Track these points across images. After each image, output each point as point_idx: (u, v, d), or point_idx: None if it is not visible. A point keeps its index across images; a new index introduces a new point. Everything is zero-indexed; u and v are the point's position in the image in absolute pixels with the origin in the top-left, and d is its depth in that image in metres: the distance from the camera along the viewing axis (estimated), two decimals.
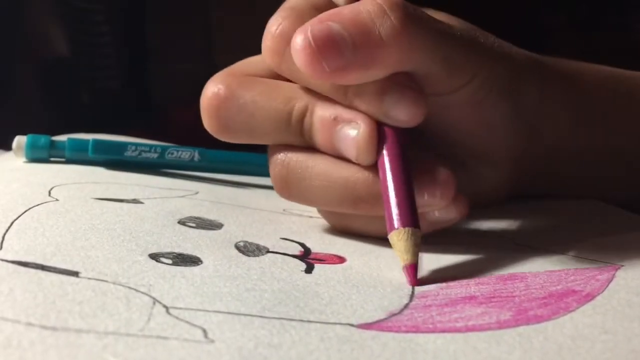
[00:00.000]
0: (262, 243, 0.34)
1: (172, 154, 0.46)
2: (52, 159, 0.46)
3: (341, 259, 0.33)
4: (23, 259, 0.28)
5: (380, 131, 0.34)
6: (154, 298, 0.26)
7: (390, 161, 0.33)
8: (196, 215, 0.37)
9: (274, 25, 0.35)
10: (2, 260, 0.28)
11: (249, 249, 0.33)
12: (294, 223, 0.39)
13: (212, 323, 0.24)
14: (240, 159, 0.48)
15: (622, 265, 0.33)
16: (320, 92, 0.35)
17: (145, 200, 0.39)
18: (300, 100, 0.35)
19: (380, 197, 0.33)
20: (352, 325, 0.26)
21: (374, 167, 0.34)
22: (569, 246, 0.36)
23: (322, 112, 0.35)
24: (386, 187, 0.33)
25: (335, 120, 0.34)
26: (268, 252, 0.33)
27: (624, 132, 0.45)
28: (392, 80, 0.33)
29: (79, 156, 0.46)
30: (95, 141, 0.46)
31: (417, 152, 0.35)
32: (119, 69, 0.98)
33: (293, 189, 0.36)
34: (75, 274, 0.27)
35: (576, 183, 0.45)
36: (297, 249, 0.34)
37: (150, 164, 0.46)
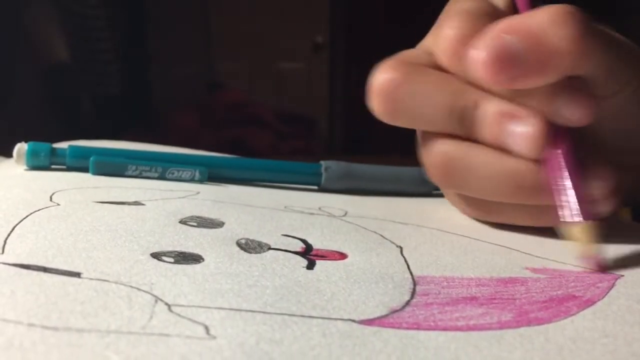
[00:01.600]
0: (263, 240, 0.34)
1: (173, 173, 0.46)
2: (53, 166, 0.46)
3: (342, 255, 0.33)
4: (25, 262, 0.28)
5: (549, 128, 0.36)
6: (155, 296, 0.26)
7: (565, 156, 0.35)
8: (197, 214, 0.37)
9: (451, 29, 0.38)
10: (4, 263, 0.28)
11: (250, 246, 0.33)
12: (296, 220, 0.39)
13: (214, 320, 0.24)
14: (242, 176, 0.48)
15: (622, 275, 0.33)
16: (492, 89, 0.37)
17: (147, 202, 0.39)
18: (471, 94, 0.37)
19: (542, 188, 0.36)
20: (353, 321, 0.26)
21: (537, 160, 0.36)
22: (569, 255, 0.36)
23: (493, 107, 0.37)
24: (561, 181, 0.35)
25: (506, 116, 0.36)
26: (269, 249, 0.33)
27: None
28: (565, 83, 0.35)
29: (80, 163, 0.46)
30: (96, 160, 0.45)
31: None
32: (119, 74, 0.99)
33: (455, 178, 0.38)
34: (77, 274, 0.27)
35: None
36: (299, 246, 0.34)
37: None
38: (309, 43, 1.07)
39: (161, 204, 0.39)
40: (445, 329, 0.26)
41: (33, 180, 0.42)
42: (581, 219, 0.34)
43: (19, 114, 0.87)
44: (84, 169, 0.45)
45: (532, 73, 0.34)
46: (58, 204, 0.37)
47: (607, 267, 0.34)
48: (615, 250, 0.38)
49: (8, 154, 0.52)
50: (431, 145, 0.39)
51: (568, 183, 0.35)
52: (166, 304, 0.25)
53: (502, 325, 0.27)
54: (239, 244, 0.33)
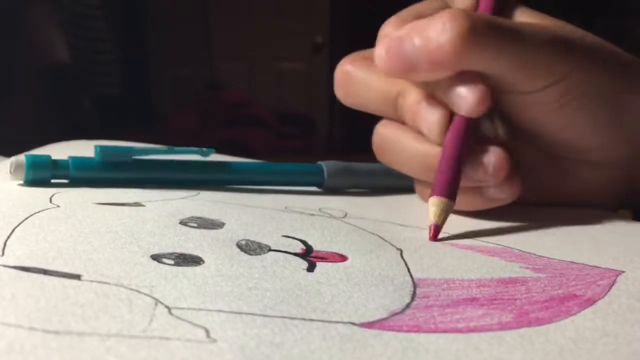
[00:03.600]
0: (263, 241, 0.34)
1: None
2: (53, 180, 0.42)
3: (343, 257, 0.33)
4: (25, 264, 0.28)
5: (452, 117, 0.41)
6: (156, 299, 0.26)
7: (448, 141, 0.40)
8: (197, 215, 0.37)
9: (389, 27, 0.44)
10: (4, 266, 0.28)
11: (250, 248, 0.33)
12: (296, 220, 0.39)
13: (215, 323, 0.24)
14: (243, 179, 0.47)
15: (623, 272, 0.33)
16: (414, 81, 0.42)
17: (147, 203, 0.39)
18: (399, 84, 0.43)
19: None
20: (354, 324, 0.26)
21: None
22: (570, 252, 0.37)
23: (412, 96, 0.42)
24: (439, 161, 0.40)
25: (420, 104, 0.42)
26: (270, 250, 0.33)
27: None
28: (459, 77, 0.40)
29: (84, 175, 0.43)
30: (102, 146, 0.43)
31: (488, 139, 0.42)
32: (119, 74, 0.99)
33: (386, 156, 0.45)
34: (77, 277, 0.27)
35: None
36: (299, 247, 0.34)
37: (160, 163, 0.45)
38: (309, 43, 1.07)
39: (161, 204, 0.39)
40: (445, 330, 0.26)
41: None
42: (438, 194, 0.39)
43: (19, 114, 0.87)
44: (88, 181, 0.43)
45: (423, 68, 0.39)
46: (58, 206, 0.37)
47: (435, 238, 0.38)
48: (616, 246, 0.38)
49: (8, 154, 0.52)
50: (376, 127, 0.45)
51: (442, 163, 0.40)
52: (166, 306, 0.25)
53: (502, 326, 0.27)
54: (239, 246, 0.33)
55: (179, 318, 0.24)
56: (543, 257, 0.36)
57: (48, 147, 0.53)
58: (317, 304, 0.27)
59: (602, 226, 0.42)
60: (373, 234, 0.38)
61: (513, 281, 0.32)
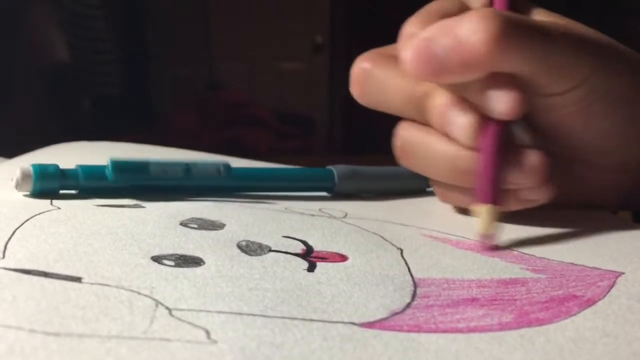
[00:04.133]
0: (264, 242, 0.34)
1: (197, 167, 0.43)
2: (62, 191, 0.40)
3: (343, 257, 0.33)
4: (26, 267, 0.28)
5: (485, 120, 0.39)
6: (156, 300, 0.26)
7: (486, 145, 0.39)
8: (198, 216, 0.37)
9: (411, 27, 0.42)
10: (5, 268, 0.28)
11: (251, 248, 0.33)
12: (296, 221, 0.39)
13: (215, 324, 0.24)
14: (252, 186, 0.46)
15: (623, 273, 0.34)
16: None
17: (147, 204, 0.39)
18: (425, 85, 0.41)
19: (473, 173, 0.40)
20: (354, 324, 0.26)
21: (475, 147, 0.40)
22: (570, 253, 0.37)
23: (440, 99, 0.41)
24: (479, 167, 0.39)
25: (449, 107, 0.40)
26: (270, 250, 0.33)
27: None
28: (492, 79, 0.38)
29: (94, 184, 0.41)
30: (116, 161, 0.41)
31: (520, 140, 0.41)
32: (119, 75, 0.99)
33: (410, 159, 0.43)
34: (78, 279, 0.27)
35: None
36: (300, 247, 0.34)
37: (176, 184, 0.43)
38: (309, 43, 1.07)
39: (162, 205, 0.39)
40: (445, 330, 0.26)
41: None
42: (485, 201, 0.38)
43: (19, 114, 0.87)
44: (98, 191, 0.41)
45: (454, 70, 0.38)
46: (59, 208, 0.37)
47: (494, 248, 0.37)
48: (616, 248, 0.38)
49: (8, 154, 0.52)
50: (397, 128, 0.43)
51: (484, 168, 0.39)
52: (167, 308, 0.25)
53: (502, 327, 0.27)
54: (239, 246, 0.33)
55: (179, 319, 0.24)
56: (543, 258, 0.36)
57: (48, 148, 0.53)
58: (317, 304, 0.27)
59: (602, 228, 0.42)
60: (373, 233, 0.38)
61: (513, 282, 0.32)
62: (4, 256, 0.29)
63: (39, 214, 0.35)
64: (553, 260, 0.35)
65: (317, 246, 0.35)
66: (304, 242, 0.35)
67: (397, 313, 0.27)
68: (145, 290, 0.27)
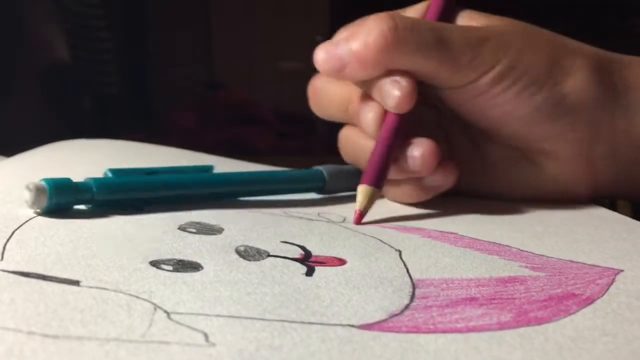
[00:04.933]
0: (262, 247, 0.34)
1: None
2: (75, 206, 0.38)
3: (341, 261, 0.33)
4: (24, 270, 0.28)
5: (384, 114, 0.44)
6: (155, 304, 0.26)
7: (379, 136, 0.44)
8: (196, 220, 0.37)
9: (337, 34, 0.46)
10: (4, 271, 0.28)
11: (249, 254, 0.33)
12: (294, 226, 0.39)
13: (213, 327, 0.24)
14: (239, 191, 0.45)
15: (622, 270, 0.34)
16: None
17: (146, 207, 0.39)
18: (350, 92, 0.47)
19: None
20: (353, 326, 0.26)
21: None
22: (569, 250, 0.37)
23: (356, 99, 0.46)
24: (371, 154, 0.44)
25: (359, 105, 0.45)
26: (269, 256, 0.33)
27: None
28: (388, 76, 0.43)
29: (109, 196, 0.39)
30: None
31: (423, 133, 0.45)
32: (119, 75, 0.98)
33: (347, 155, 0.49)
34: (76, 282, 0.27)
35: None
36: (298, 252, 0.34)
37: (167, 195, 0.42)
38: (309, 43, 1.06)
39: (160, 209, 0.39)
40: (444, 331, 0.26)
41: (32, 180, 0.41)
42: (366, 182, 0.42)
43: (19, 114, 0.87)
44: (113, 203, 0.39)
45: (354, 68, 0.43)
46: None
47: (359, 222, 0.41)
48: (615, 245, 0.38)
49: (7, 153, 0.52)
50: (341, 132, 0.49)
51: (373, 154, 0.43)
52: (165, 311, 0.25)
53: (501, 326, 0.27)
54: (238, 252, 0.33)
55: (177, 323, 0.24)
56: (542, 255, 0.36)
57: (48, 146, 0.53)
58: (316, 307, 0.27)
59: (601, 225, 0.42)
60: (372, 237, 0.38)
61: (512, 280, 0.32)
62: (2, 258, 0.29)
63: (38, 215, 0.35)
64: (552, 257, 0.35)
65: (316, 251, 0.35)
66: (303, 247, 0.35)
67: (395, 314, 0.27)
68: (144, 294, 0.27)
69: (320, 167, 0.48)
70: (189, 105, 1.00)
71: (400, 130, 0.44)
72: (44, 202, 0.36)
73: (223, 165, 0.54)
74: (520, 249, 0.37)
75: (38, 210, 0.36)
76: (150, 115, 0.99)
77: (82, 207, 0.38)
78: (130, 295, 0.26)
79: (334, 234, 0.38)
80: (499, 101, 0.44)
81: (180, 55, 1.00)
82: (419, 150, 0.43)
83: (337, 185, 0.48)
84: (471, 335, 0.26)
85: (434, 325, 0.26)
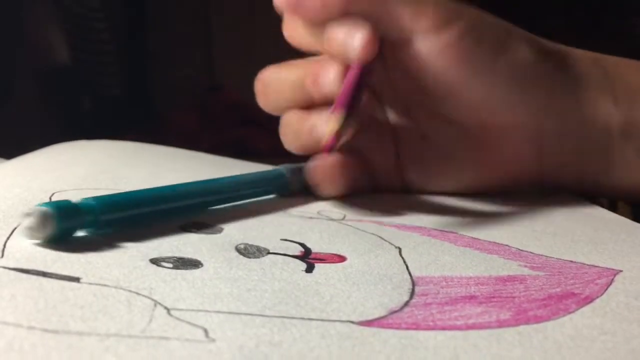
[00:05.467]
0: (262, 245, 0.34)
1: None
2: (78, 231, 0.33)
3: (341, 258, 0.33)
4: (25, 266, 0.28)
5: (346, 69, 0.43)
6: (155, 300, 0.26)
7: (346, 82, 0.42)
8: (196, 219, 0.37)
9: None
10: (4, 267, 0.28)
11: (249, 251, 0.33)
12: (294, 224, 0.39)
13: (213, 323, 0.24)
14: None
15: (621, 271, 0.34)
16: (314, 51, 0.46)
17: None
18: (304, 71, 0.45)
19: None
20: (352, 322, 0.26)
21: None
22: (568, 250, 0.37)
23: (311, 70, 0.45)
24: (340, 92, 0.42)
25: (319, 68, 0.44)
26: (269, 253, 0.33)
27: None
28: (347, 26, 0.42)
29: (113, 215, 0.35)
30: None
31: None
32: (119, 76, 0.99)
33: (287, 138, 0.48)
34: (76, 279, 0.27)
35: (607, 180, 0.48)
36: (298, 250, 0.34)
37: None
38: None
39: None
40: (444, 328, 0.26)
41: (33, 179, 0.41)
42: (336, 110, 0.41)
43: (19, 114, 0.87)
44: (118, 221, 0.35)
45: (314, 8, 0.43)
46: None
47: (332, 149, 0.42)
48: (614, 246, 0.38)
49: (8, 155, 0.52)
50: (282, 119, 0.48)
51: (342, 90, 0.42)
52: (165, 307, 0.25)
53: (501, 324, 0.27)
54: (237, 249, 0.33)
55: (177, 319, 0.24)
56: (541, 255, 0.36)
57: (48, 148, 0.53)
58: (315, 303, 0.27)
59: (600, 225, 0.42)
60: (372, 234, 0.38)
61: (511, 279, 0.32)
62: (2, 255, 0.29)
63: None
64: (551, 257, 0.36)
65: (316, 248, 0.35)
66: (302, 245, 0.35)
67: (395, 311, 0.27)
68: (144, 290, 0.27)
69: (279, 168, 0.46)
70: (189, 106, 1.00)
71: (362, 85, 0.43)
72: (50, 229, 0.31)
73: (222, 166, 0.54)
74: (520, 248, 0.37)
75: (39, 241, 0.31)
76: (150, 116, 1.00)
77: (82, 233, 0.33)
78: (131, 291, 0.26)
79: (334, 231, 0.38)
80: (462, 59, 0.44)
81: (180, 56, 1.00)
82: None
83: (299, 185, 0.46)
84: (470, 332, 0.26)
85: (433, 322, 0.27)
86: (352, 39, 0.42)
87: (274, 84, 0.48)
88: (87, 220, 0.33)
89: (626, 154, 0.47)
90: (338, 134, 0.41)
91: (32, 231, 0.30)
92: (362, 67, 0.42)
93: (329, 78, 0.44)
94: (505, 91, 0.45)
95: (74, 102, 0.97)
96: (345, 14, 0.43)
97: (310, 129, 0.45)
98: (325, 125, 0.43)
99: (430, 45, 0.43)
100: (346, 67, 0.43)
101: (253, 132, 0.94)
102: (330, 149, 0.42)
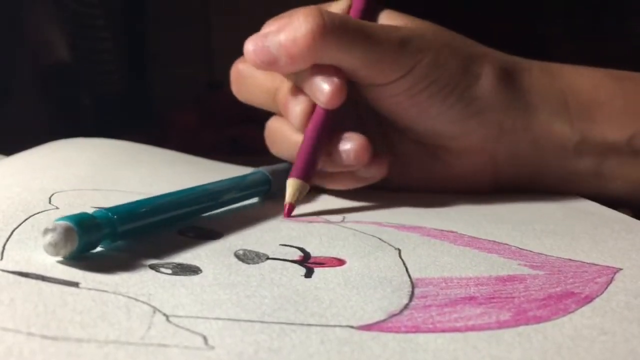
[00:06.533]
0: (261, 250, 0.34)
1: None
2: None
3: (341, 262, 0.33)
4: (24, 270, 0.28)
5: (313, 108, 0.45)
6: (154, 307, 0.26)
7: (307, 130, 0.44)
8: (196, 224, 0.37)
9: (265, 25, 0.46)
10: (3, 270, 0.28)
11: (248, 257, 0.33)
12: (293, 229, 0.39)
13: (212, 330, 0.24)
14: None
15: (621, 269, 0.34)
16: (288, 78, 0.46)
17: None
18: (277, 81, 0.47)
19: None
20: (352, 327, 0.26)
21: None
22: (568, 249, 0.37)
23: (283, 90, 0.47)
24: (300, 147, 0.44)
25: (287, 97, 0.46)
26: (268, 258, 0.33)
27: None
28: (318, 71, 0.44)
29: (131, 225, 0.33)
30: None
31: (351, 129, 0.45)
32: (119, 74, 0.98)
33: (273, 147, 0.50)
34: (75, 284, 0.27)
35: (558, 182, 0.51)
36: (297, 254, 0.34)
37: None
38: None
39: None
40: (444, 330, 0.26)
41: (32, 179, 0.41)
42: (295, 176, 0.43)
43: (19, 114, 0.87)
44: (137, 231, 0.34)
45: (283, 62, 0.43)
46: (57, 207, 0.37)
47: (289, 215, 0.42)
48: (614, 244, 0.38)
49: (7, 152, 0.52)
50: (267, 125, 0.50)
51: (302, 148, 0.44)
52: (164, 314, 0.25)
53: (500, 325, 0.27)
54: (236, 255, 0.33)
55: (176, 325, 0.24)
56: (541, 254, 0.36)
57: (47, 145, 0.53)
58: (315, 308, 0.27)
59: (600, 223, 0.42)
60: (371, 236, 0.38)
61: (511, 279, 0.32)
62: (2, 258, 0.29)
63: (37, 213, 0.35)
64: (551, 255, 0.36)
65: (315, 252, 0.35)
66: (302, 249, 0.35)
67: (395, 314, 0.27)
68: (143, 296, 0.27)
69: (261, 170, 0.46)
70: (189, 105, 1.00)
71: (329, 125, 0.45)
72: (74, 244, 0.29)
73: (217, 169, 0.54)
74: (520, 247, 0.37)
75: (60, 258, 0.30)
76: (150, 115, 0.99)
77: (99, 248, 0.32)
78: (129, 297, 0.26)
79: (333, 235, 0.38)
80: (417, 100, 0.46)
81: (180, 55, 1.00)
82: (351, 145, 0.45)
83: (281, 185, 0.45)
84: (470, 334, 0.26)
85: (433, 324, 0.27)
86: (323, 85, 0.44)
87: (249, 81, 0.49)
88: (106, 233, 0.31)
89: (580, 169, 0.50)
90: (295, 201, 0.43)
91: (56, 247, 0.29)
92: (328, 111, 0.44)
93: (296, 112, 0.45)
94: (460, 123, 0.47)
95: (74, 100, 0.97)
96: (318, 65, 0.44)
97: (294, 147, 0.46)
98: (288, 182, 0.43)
99: (386, 93, 0.46)
100: (313, 105, 0.45)
101: (252, 131, 0.94)
102: (289, 215, 0.42)
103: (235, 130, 0.94)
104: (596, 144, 0.49)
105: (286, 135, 0.48)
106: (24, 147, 0.52)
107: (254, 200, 0.45)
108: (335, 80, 0.44)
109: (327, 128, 0.45)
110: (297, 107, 0.45)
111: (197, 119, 0.97)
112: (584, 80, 0.50)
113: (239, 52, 0.46)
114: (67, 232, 0.29)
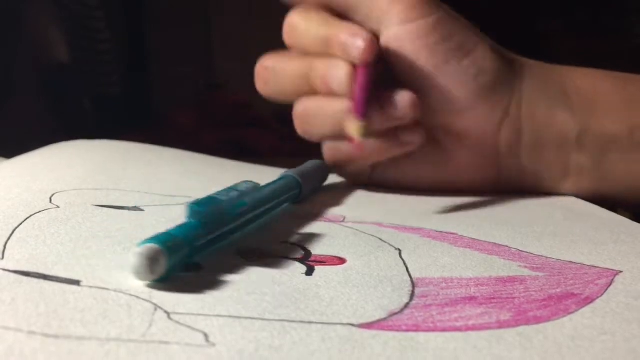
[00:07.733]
0: (263, 248, 0.34)
1: None
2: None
3: (341, 260, 0.33)
4: (25, 269, 0.28)
5: (354, 69, 0.46)
6: (155, 304, 0.26)
7: (358, 84, 0.45)
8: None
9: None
10: (4, 270, 0.28)
11: (249, 254, 0.33)
12: (295, 227, 0.39)
13: (213, 327, 0.24)
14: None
15: (621, 272, 0.34)
16: (317, 51, 0.48)
17: (146, 208, 0.39)
18: (308, 63, 0.48)
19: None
20: (353, 325, 0.26)
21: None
22: (568, 251, 0.37)
23: (320, 64, 0.47)
24: (354, 99, 0.46)
25: (326, 67, 0.47)
26: (269, 256, 0.33)
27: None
28: (346, 32, 0.46)
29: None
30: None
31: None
32: (119, 74, 0.98)
33: (305, 125, 0.51)
34: (76, 282, 0.27)
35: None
36: (298, 252, 0.34)
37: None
38: None
39: (160, 210, 0.39)
40: (444, 329, 0.26)
41: (33, 180, 0.41)
42: (356, 117, 0.45)
43: (19, 114, 0.87)
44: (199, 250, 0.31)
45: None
46: (58, 207, 0.37)
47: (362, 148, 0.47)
48: (614, 246, 0.38)
49: (8, 154, 0.52)
50: (294, 107, 0.51)
51: (357, 95, 0.45)
52: (165, 312, 0.25)
53: (501, 325, 0.27)
54: (238, 252, 0.33)
55: (178, 323, 0.24)
56: (541, 256, 0.36)
57: (48, 148, 0.53)
58: (316, 306, 0.27)
59: (600, 226, 0.42)
60: (372, 235, 0.38)
61: (511, 280, 0.32)
62: (3, 257, 0.29)
63: (38, 212, 0.35)
64: (551, 258, 0.36)
65: (316, 250, 0.35)
66: (303, 247, 0.35)
67: (395, 313, 0.27)
68: (144, 294, 0.27)
69: (289, 174, 0.45)
70: (189, 105, 1.00)
71: (371, 84, 0.46)
72: (163, 268, 0.27)
73: (221, 167, 0.54)
74: (520, 249, 0.37)
75: (149, 282, 0.28)
76: (150, 116, 1.00)
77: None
78: (131, 295, 0.26)
79: (334, 234, 0.38)
80: (432, 49, 0.47)
81: (180, 55, 1.00)
82: (405, 96, 0.46)
83: (311, 187, 0.46)
84: (471, 334, 0.26)
85: (433, 324, 0.27)
86: (354, 42, 0.45)
87: (278, 75, 0.50)
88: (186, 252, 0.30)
89: (581, 161, 0.50)
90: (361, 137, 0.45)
91: (144, 272, 0.27)
92: (368, 68, 0.45)
93: (339, 76, 0.46)
94: (470, 91, 0.48)
95: (74, 100, 0.97)
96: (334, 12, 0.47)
97: (335, 114, 0.48)
98: (352, 125, 0.45)
99: (402, 35, 0.47)
100: (353, 66, 0.46)
101: (252, 132, 0.94)
102: (360, 149, 0.45)
103: (234, 131, 0.94)
104: (597, 136, 0.49)
105: (324, 108, 0.48)
106: (24, 148, 0.52)
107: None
108: (364, 34, 0.45)
109: (371, 86, 0.46)
110: (340, 72, 0.46)
111: (196, 119, 0.97)
112: (583, 77, 0.51)
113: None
114: (155, 255, 0.27)
